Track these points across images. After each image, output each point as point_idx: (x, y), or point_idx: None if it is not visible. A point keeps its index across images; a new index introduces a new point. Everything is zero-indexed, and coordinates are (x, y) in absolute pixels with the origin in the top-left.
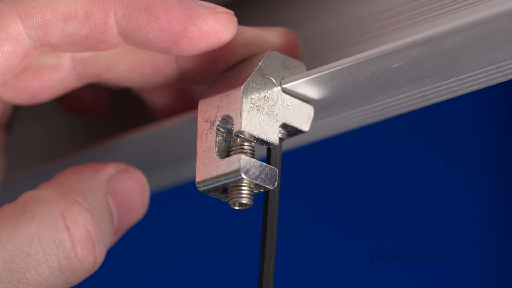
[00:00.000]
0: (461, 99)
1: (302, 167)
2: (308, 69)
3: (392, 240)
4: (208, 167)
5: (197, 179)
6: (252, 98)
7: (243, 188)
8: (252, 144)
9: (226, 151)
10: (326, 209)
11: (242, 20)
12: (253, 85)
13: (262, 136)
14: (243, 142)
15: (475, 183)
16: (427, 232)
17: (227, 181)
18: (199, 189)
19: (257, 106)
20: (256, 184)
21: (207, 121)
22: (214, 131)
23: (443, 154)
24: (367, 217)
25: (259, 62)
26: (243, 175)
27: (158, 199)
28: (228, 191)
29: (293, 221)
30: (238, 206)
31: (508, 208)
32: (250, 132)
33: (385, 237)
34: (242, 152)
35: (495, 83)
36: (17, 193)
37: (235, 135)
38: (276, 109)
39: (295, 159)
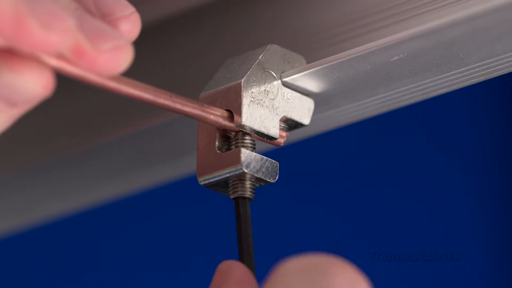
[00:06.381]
0: (462, 93)
1: (301, 162)
2: (308, 62)
3: (392, 240)
4: (209, 161)
5: (198, 173)
6: (252, 92)
7: (244, 182)
8: (253, 138)
9: (227, 145)
10: (325, 207)
11: (244, 11)
12: (253, 79)
13: (263, 130)
14: (244, 136)
15: (475, 183)
16: (427, 232)
17: (228, 175)
18: (200, 183)
19: (257, 99)
20: (257, 178)
21: None
22: (214, 125)
23: (443, 152)
24: (367, 217)
25: (259, 55)
26: (244, 169)
27: (159, 194)
28: (229, 185)
29: (292, 220)
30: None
31: (508, 208)
32: (250, 126)
33: (385, 237)
34: (243, 146)
35: (495, 76)
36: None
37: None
38: (276, 102)
39: (295, 154)
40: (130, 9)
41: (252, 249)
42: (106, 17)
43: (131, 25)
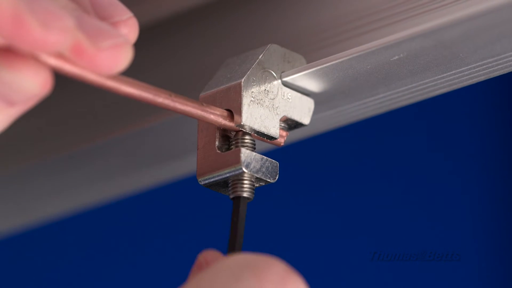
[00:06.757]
0: (462, 93)
1: (301, 162)
2: (308, 62)
3: (392, 240)
4: (209, 160)
5: (198, 173)
6: (252, 92)
7: (244, 181)
8: (253, 137)
9: (226, 145)
10: (325, 207)
11: (244, 11)
12: (253, 79)
13: (263, 130)
14: (244, 135)
15: (475, 183)
16: (427, 232)
17: (228, 174)
18: (200, 183)
19: (257, 99)
20: (257, 177)
21: None
22: (214, 125)
23: (443, 152)
24: (367, 217)
25: (259, 55)
26: (244, 169)
27: (159, 194)
28: (229, 184)
29: (292, 220)
30: None
31: (508, 208)
32: (250, 125)
33: (385, 237)
34: (243, 146)
35: (495, 76)
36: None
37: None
38: (276, 102)
39: (295, 154)
40: (128, 13)
41: (240, 249)
42: (104, 21)
43: (128, 29)
